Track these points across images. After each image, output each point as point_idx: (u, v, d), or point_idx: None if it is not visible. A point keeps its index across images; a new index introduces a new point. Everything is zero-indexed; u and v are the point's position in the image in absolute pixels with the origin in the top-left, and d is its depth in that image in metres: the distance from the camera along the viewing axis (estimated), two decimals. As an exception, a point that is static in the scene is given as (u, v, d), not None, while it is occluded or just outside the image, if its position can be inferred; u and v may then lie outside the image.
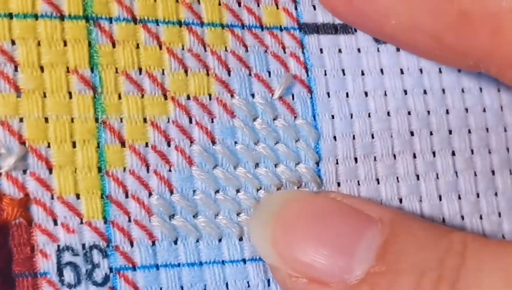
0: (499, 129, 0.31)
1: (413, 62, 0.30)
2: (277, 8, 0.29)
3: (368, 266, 0.24)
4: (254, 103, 0.28)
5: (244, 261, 0.27)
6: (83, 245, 0.25)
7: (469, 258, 0.23)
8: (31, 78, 0.25)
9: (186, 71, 0.27)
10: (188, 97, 0.27)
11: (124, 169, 0.26)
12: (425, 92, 0.30)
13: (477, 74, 0.31)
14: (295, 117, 0.29)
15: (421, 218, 0.28)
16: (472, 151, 0.31)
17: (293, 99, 0.29)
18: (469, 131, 0.31)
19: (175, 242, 0.26)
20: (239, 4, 0.28)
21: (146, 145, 0.26)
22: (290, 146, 0.28)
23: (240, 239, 0.27)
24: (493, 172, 0.31)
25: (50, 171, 0.25)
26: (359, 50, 0.30)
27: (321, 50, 0.29)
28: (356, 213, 0.25)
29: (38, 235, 0.24)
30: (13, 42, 0.25)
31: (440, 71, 0.31)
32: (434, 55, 0.26)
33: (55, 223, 0.24)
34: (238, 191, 0.27)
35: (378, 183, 0.29)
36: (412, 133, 0.30)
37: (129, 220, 0.25)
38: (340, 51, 0.30)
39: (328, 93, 0.29)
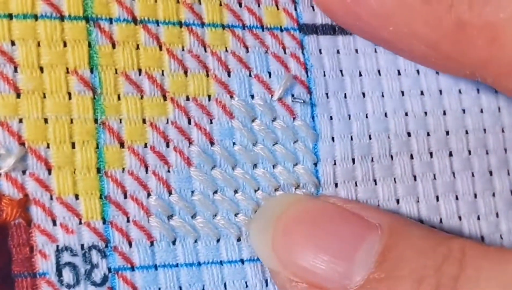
0: (496, 129, 0.32)
1: (410, 63, 0.30)
2: (277, 8, 0.29)
3: (367, 272, 0.24)
4: (253, 104, 0.28)
5: (242, 261, 0.27)
6: (82, 246, 0.25)
7: (467, 265, 0.23)
8: (31, 78, 0.25)
9: (185, 72, 0.27)
10: (188, 98, 0.27)
11: (123, 169, 0.26)
12: (422, 93, 0.31)
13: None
14: (294, 118, 0.29)
15: (420, 224, 0.28)
16: (469, 151, 0.31)
17: (291, 100, 0.29)
18: (466, 132, 0.31)
19: (174, 243, 0.26)
20: (240, 5, 0.28)
21: (145, 146, 0.26)
22: (289, 147, 0.28)
23: (238, 239, 0.27)
24: (490, 173, 0.31)
25: (50, 171, 0.25)
26: (356, 51, 0.30)
27: (320, 50, 0.30)
28: (356, 219, 0.25)
29: (37, 235, 0.24)
30: (12, 43, 0.25)
31: (437, 73, 0.31)
32: (430, 63, 0.26)
33: (54, 223, 0.24)
34: (236, 192, 0.27)
35: (376, 184, 0.29)
36: (409, 134, 0.30)
37: (128, 221, 0.26)
38: (338, 52, 0.30)
39: (327, 94, 0.29)
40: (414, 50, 0.26)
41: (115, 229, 0.25)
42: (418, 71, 0.31)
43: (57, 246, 0.24)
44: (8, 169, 0.24)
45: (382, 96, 0.30)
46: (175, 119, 0.27)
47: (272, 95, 0.28)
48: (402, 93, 0.30)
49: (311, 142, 0.29)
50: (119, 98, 0.26)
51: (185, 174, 0.27)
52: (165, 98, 0.27)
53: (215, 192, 0.27)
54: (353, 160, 0.29)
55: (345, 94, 0.30)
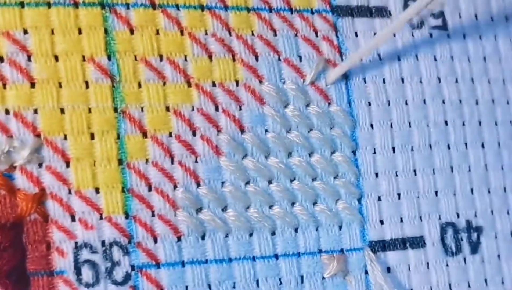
0: None
1: (445, 48, 0.29)
2: None
3: None
4: (285, 89, 0.26)
5: (276, 256, 0.25)
6: (103, 242, 0.23)
7: None
8: (45, 67, 0.23)
9: (210, 57, 0.25)
10: (214, 84, 0.25)
11: (147, 161, 0.24)
12: (456, 80, 0.29)
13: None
14: (329, 104, 0.27)
15: None
16: (498, 144, 0.29)
17: (326, 84, 0.27)
18: (496, 124, 0.30)
19: (203, 238, 0.24)
20: (266, -14, 0.27)
21: (170, 135, 0.25)
22: (325, 134, 0.26)
23: (273, 233, 0.25)
24: None
25: (67, 164, 0.23)
26: (394, 34, 0.28)
27: (356, 33, 0.28)
28: None
29: (54, 231, 0.23)
30: (25, 31, 0.24)
31: (468, 60, 0.29)
32: None
33: (73, 219, 0.23)
34: (270, 182, 0.25)
35: (415, 174, 0.28)
36: (446, 123, 0.28)
37: (153, 215, 0.24)
38: (375, 34, 0.28)
39: (364, 79, 0.27)
40: None
41: (138, 224, 0.23)
42: (452, 57, 0.29)
43: (76, 243, 0.23)
44: (23, 161, 0.23)
45: (420, 82, 0.28)
46: (201, 106, 0.25)
47: (304, 80, 0.27)
48: (439, 79, 0.29)
49: (349, 129, 0.27)
50: (139, 85, 0.24)
51: (214, 164, 0.25)
52: (189, 84, 0.25)
53: (247, 183, 0.25)
54: (393, 148, 0.27)
55: (383, 79, 0.28)
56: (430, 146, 0.28)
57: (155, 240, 0.24)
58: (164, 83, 0.25)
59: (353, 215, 0.26)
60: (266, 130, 0.26)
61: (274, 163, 0.26)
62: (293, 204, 0.26)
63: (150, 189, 0.24)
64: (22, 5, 0.24)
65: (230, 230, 0.25)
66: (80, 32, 0.24)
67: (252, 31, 0.26)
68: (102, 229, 0.23)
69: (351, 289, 0.26)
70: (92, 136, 0.24)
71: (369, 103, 0.27)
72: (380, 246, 0.26)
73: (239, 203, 0.25)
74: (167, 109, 0.25)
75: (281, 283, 0.25)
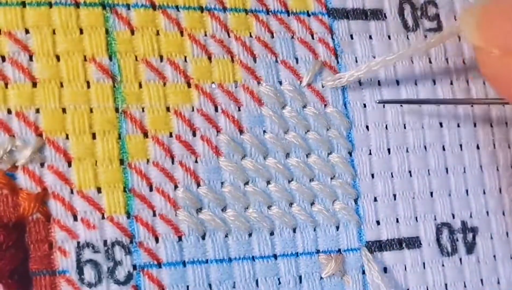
0: None
1: (440, 50, 0.29)
2: None
3: None
4: (282, 90, 0.26)
5: (275, 256, 0.25)
6: (105, 242, 0.23)
7: None
8: (47, 67, 0.23)
9: (209, 58, 0.26)
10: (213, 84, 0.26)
11: (148, 161, 0.24)
12: (451, 83, 0.29)
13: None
14: (325, 105, 0.27)
15: None
16: (494, 145, 0.30)
17: (322, 86, 0.27)
18: (491, 125, 0.30)
19: (203, 237, 0.24)
20: (263, -12, 0.27)
21: (170, 135, 0.25)
22: (322, 135, 0.27)
23: (271, 233, 0.25)
24: None
25: (69, 163, 0.23)
26: (389, 36, 0.29)
27: (351, 36, 0.28)
28: None
29: (56, 231, 0.23)
30: (27, 31, 0.24)
31: (463, 62, 0.30)
32: None
33: (75, 218, 0.23)
34: (268, 182, 0.26)
35: (411, 175, 0.28)
36: (441, 124, 0.29)
37: (154, 215, 0.24)
38: (371, 37, 0.28)
39: (359, 80, 0.28)
40: None
41: (140, 224, 0.24)
42: (447, 60, 0.29)
43: (78, 243, 0.23)
44: (25, 161, 0.23)
45: (415, 84, 0.29)
46: (200, 107, 0.25)
47: (300, 81, 0.27)
48: (434, 82, 0.29)
49: (345, 130, 0.27)
50: (140, 85, 0.25)
51: (214, 165, 0.25)
52: (189, 85, 0.25)
53: (246, 183, 0.25)
54: (389, 150, 0.28)
55: (378, 81, 0.28)
56: (425, 147, 0.28)
57: (157, 240, 0.24)
58: (165, 84, 0.25)
59: (350, 215, 0.27)
60: (264, 131, 0.26)
61: (272, 163, 0.26)
62: (291, 204, 0.26)
63: (151, 189, 0.24)
64: (23, 4, 0.24)
65: (230, 230, 0.25)
66: (81, 32, 0.24)
67: (250, 33, 0.26)
68: (104, 229, 0.23)
69: (349, 289, 0.26)
70: (93, 136, 0.24)
71: (364, 105, 0.28)
72: (377, 246, 0.27)
73: (238, 203, 0.25)
74: (168, 109, 0.25)
75: (280, 283, 0.25)
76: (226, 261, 0.24)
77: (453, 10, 0.30)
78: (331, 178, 0.27)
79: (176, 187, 0.24)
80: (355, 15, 0.28)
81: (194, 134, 0.25)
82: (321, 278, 0.25)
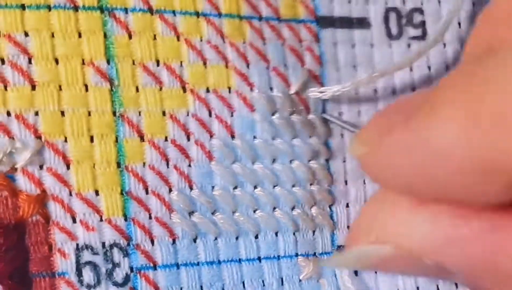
0: None
1: (422, 59, 0.30)
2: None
3: None
4: (274, 97, 0.27)
5: (259, 259, 0.26)
6: (103, 244, 0.23)
7: None
8: (46, 70, 0.24)
9: (205, 63, 0.26)
10: (208, 90, 0.26)
11: (144, 164, 0.25)
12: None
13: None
14: (308, 113, 0.28)
15: None
16: None
17: (306, 94, 0.28)
18: None
19: (195, 240, 0.25)
20: (257, -5, 0.28)
21: (166, 139, 0.25)
22: (305, 142, 0.27)
23: (256, 236, 0.26)
24: None
25: (68, 166, 0.24)
26: (372, 45, 0.29)
27: (335, 44, 0.29)
28: None
29: (56, 233, 0.23)
30: (26, 34, 0.24)
31: (446, 68, 0.30)
32: None
33: (74, 220, 0.23)
34: (255, 187, 0.26)
35: None
36: None
37: (150, 217, 0.24)
38: (353, 46, 0.29)
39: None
40: None
41: (137, 226, 0.24)
42: (429, 67, 0.30)
43: (77, 244, 0.23)
44: (24, 163, 0.23)
45: (393, 93, 0.29)
46: (195, 112, 0.26)
47: (289, 89, 0.28)
48: (413, 89, 0.30)
49: (324, 138, 0.28)
50: (137, 89, 0.25)
51: (206, 169, 0.26)
52: (184, 90, 0.26)
53: (235, 187, 0.26)
54: None
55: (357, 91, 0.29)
56: None
57: (152, 242, 0.24)
58: (161, 88, 0.25)
59: (326, 220, 0.27)
60: (255, 137, 0.27)
61: (260, 168, 0.26)
62: (274, 209, 0.26)
63: (147, 192, 0.25)
64: (23, 7, 0.24)
65: (220, 233, 0.25)
66: (80, 35, 0.24)
67: (244, 39, 0.27)
68: (102, 231, 0.24)
69: (324, 291, 0.27)
70: (91, 139, 0.24)
71: (341, 114, 0.28)
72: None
73: (227, 207, 0.26)
74: (164, 113, 0.25)
75: (264, 285, 0.26)
76: (216, 263, 0.25)
77: (439, 16, 0.30)
78: (311, 184, 0.27)
79: (170, 190, 0.25)
80: (341, 23, 0.29)
81: (188, 139, 0.25)
82: (300, 280, 0.26)
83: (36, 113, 0.23)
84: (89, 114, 0.24)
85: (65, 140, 0.24)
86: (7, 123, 0.23)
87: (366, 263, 0.20)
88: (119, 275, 0.23)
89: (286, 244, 0.26)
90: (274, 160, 0.27)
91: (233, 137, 0.26)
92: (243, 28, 0.27)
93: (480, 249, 0.18)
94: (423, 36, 0.30)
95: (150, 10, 0.26)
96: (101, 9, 0.25)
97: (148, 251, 0.24)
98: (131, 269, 0.24)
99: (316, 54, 0.28)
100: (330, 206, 0.28)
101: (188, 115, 0.26)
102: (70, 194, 0.23)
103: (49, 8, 0.24)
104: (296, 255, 0.27)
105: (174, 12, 0.26)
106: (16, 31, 0.24)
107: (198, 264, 0.25)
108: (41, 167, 0.23)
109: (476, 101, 0.17)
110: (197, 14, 0.26)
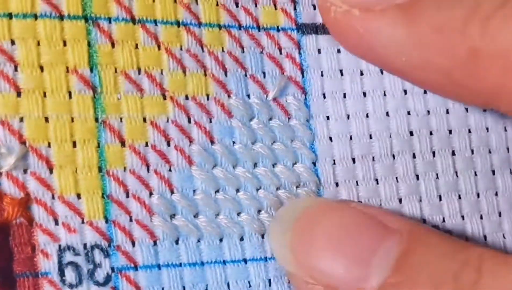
0: (499, 128, 0.32)
1: None
2: (275, 8, 0.29)
3: (384, 277, 0.24)
4: (251, 103, 0.28)
5: (245, 261, 0.27)
6: (85, 245, 0.24)
7: (485, 274, 0.23)
8: (31, 77, 0.25)
9: (184, 71, 0.27)
10: (187, 97, 0.27)
11: (125, 168, 0.26)
12: (425, 92, 0.30)
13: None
14: (289, 118, 0.29)
15: (439, 231, 0.28)
16: (472, 151, 0.31)
17: (286, 100, 0.29)
18: (469, 131, 0.31)
19: (177, 242, 0.26)
20: (237, 5, 0.28)
21: (146, 144, 0.26)
22: (287, 146, 0.28)
23: (241, 239, 0.27)
24: (493, 172, 0.31)
25: (51, 170, 0.24)
26: None
27: (319, 50, 0.29)
28: (375, 223, 0.25)
29: (39, 234, 0.24)
30: (12, 42, 0.25)
31: None
32: (445, 92, 0.26)
33: (56, 222, 0.24)
34: (238, 190, 0.27)
35: (377, 183, 0.29)
36: (411, 133, 0.30)
37: (131, 220, 0.25)
38: (338, 51, 0.30)
39: (324, 94, 0.29)
40: (428, 80, 0.25)
41: (118, 228, 0.25)
42: None
43: (59, 246, 0.24)
44: (9, 168, 0.24)
45: (384, 95, 0.30)
46: (175, 118, 0.27)
47: (267, 95, 0.29)
48: (405, 92, 0.30)
49: (308, 142, 0.29)
50: (119, 97, 0.26)
51: (187, 173, 0.26)
52: (164, 97, 0.27)
53: (217, 191, 0.27)
54: (353, 159, 0.29)
55: (344, 94, 0.29)
56: (394, 156, 0.29)
57: (133, 244, 0.25)
58: (142, 95, 0.26)
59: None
60: (234, 142, 0.28)
61: (241, 172, 0.27)
62: (259, 211, 0.28)
63: (128, 196, 0.25)
64: (10, 16, 0.25)
65: (202, 235, 0.26)
66: (65, 44, 0.25)
67: (222, 48, 0.28)
68: (84, 233, 0.24)
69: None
70: (74, 144, 0.25)
71: (328, 118, 0.29)
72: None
73: (210, 210, 0.27)
74: (144, 120, 0.26)
75: (250, 285, 0.27)
76: (199, 264, 0.26)
77: None
78: (297, 187, 0.28)
79: (151, 194, 0.26)
80: (324, 29, 0.30)
81: (168, 144, 0.26)
82: (289, 281, 0.27)
83: (21, 119, 0.24)
84: (72, 120, 0.25)
85: (49, 146, 0.25)
86: None
87: None
88: (100, 275, 0.24)
89: None
90: (256, 164, 0.28)
91: (212, 142, 0.27)
92: (222, 37, 0.28)
93: None
94: None
95: (133, 19, 0.27)
96: (86, 18, 0.26)
97: (129, 252, 0.25)
98: (112, 269, 0.25)
99: (297, 61, 0.29)
100: None
101: (168, 121, 0.27)
102: (53, 198, 0.24)
103: (35, 17, 0.25)
104: None
105: (155, 22, 0.27)
106: (3, 39, 0.24)
107: (180, 265, 0.26)
108: (25, 171, 0.24)
109: None
110: (178, 23, 0.27)
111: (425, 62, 0.24)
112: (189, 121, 0.27)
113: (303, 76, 0.29)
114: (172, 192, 0.26)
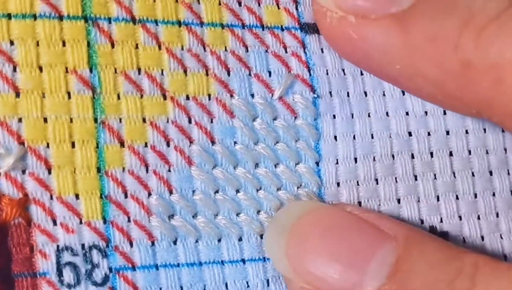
0: (496, 129, 0.31)
1: None
2: (278, 8, 0.29)
3: (379, 283, 0.24)
4: (254, 103, 0.28)
5: (243, 261, 0.27)
6: (83, 245, 0.24)
7: (479, 281, 0.23)
8: (30, 78, 0.25)
9: (185, 71, 0.27)
10: (188, 97, 0.27)
11: (123, 169, 0.26)
12: None
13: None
14: (295, 118, 0.28)
15: (436, 237, 0.27)
16: (469, 151, 0.31)
17: (293, 99, 0.29)
18: (467, 132, 0.31)
19: (175, 243, 0.26)
20: (240, 4, 0.28)
21: (146, 145, 0.26)
22: (290, 146, 0.28)
23: (240, 239, 0.27)
24: (490, 173, 0.31)
25: (49, 171, 0.25)
26: None
27: (322, 49, 0.29)
28: (371, 229, 0.25)
29: (37, 235, 0.24)
30: (11, 43, 0.25)
31: None
32: (437, 101, 0.26)
33: (55, 223, 0.24)
34: (237, 191, 0.27)
35: (377, 183, 0.29)
36: (410, 134, 0.30)
37: (129, 220, 0.25)
38: None
39: (330, 93, 0.29)
40: (421, 89, 0.25)
41: (116, 229, 0.25)
42: None
43: (58, 246, 0.24)
44: (7, 168, 0.24)
45: (384, 95, 0.30)
46: (175, 118, 0.27)
47: (272, 94, 0.28)
48: (403, 92, 0.30)
49: (313, 141, 0.29)
50: (118, 97, 0.26)
51: (186, 174, 0.26)
52: (165, 97, 0.27)
53: (217, 191, 0.27)
54: (355, 159, 0.29)
55: (347, 93, 0.29)
56: (393, 156, 0.29)
57: (131, 244, 0.25)
58: (142, 96, 0.26)
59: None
60: (235, 142, 0.27)
61: (242, 173, 0.27)
62: (258, 212, 0.27)
63: (126, 196, 0.25)
64: (9, 17, 0.25)
65: (200, 235, 0.26)
66: (64, 44, 0.25)
67: (225, 47, 0.28)
68: (82, 233, 0.25)
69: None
70: (73, 145, 0.25)
71: (334, 116, 0.29)
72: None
73: (208, 210, 0.27)
74: (144, 120, 0.26)
75: (248, 286, 0.27)
76: (197, 265, 0.26)
77: None
78: (298, 187, 0.28)
79: (149, 194, 0.26)
80: None
81: (168, 145, 0.26)
82: None
83: (20, 120, 0.24)
84: (71, 120, 0.25)
85: (47, 146, 0.25)
86: None
87: None
88: (98, 275, 0.25)
89: None
90: (257, 165, 0.28)
91: (213, 143, 0.27)
92: (225, 36, 0.28)
93: None
94: None
95: (133, 19, 0.26)
96: (85, 18, 0.26)
97: (127, 252, 0.25)
98: (110, 269, 0.25)
99: (303, 59, 0.29)
100: None
101: (168, 122, 0.26)
102: (51, 198, 0.24)
103: (34, 17, 0.25)
104: None
105: (156, 22, 0.27)
106: (2, 40, 0.25)
107: (178, 265, 0.26)
108: (23, 172, 0.24)
109: None
110: (179, 23, 0.27)
111: (417, 72, 0.24)
112: (190, 122, 0.27)
113: (310, 74, 0.29)
114: (171, 193, 0.26)
